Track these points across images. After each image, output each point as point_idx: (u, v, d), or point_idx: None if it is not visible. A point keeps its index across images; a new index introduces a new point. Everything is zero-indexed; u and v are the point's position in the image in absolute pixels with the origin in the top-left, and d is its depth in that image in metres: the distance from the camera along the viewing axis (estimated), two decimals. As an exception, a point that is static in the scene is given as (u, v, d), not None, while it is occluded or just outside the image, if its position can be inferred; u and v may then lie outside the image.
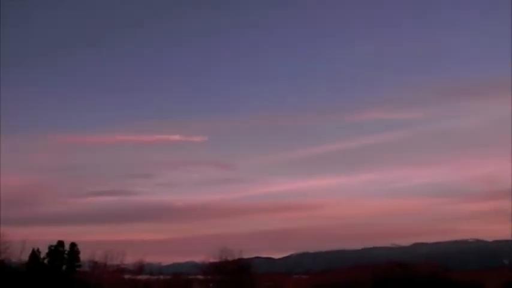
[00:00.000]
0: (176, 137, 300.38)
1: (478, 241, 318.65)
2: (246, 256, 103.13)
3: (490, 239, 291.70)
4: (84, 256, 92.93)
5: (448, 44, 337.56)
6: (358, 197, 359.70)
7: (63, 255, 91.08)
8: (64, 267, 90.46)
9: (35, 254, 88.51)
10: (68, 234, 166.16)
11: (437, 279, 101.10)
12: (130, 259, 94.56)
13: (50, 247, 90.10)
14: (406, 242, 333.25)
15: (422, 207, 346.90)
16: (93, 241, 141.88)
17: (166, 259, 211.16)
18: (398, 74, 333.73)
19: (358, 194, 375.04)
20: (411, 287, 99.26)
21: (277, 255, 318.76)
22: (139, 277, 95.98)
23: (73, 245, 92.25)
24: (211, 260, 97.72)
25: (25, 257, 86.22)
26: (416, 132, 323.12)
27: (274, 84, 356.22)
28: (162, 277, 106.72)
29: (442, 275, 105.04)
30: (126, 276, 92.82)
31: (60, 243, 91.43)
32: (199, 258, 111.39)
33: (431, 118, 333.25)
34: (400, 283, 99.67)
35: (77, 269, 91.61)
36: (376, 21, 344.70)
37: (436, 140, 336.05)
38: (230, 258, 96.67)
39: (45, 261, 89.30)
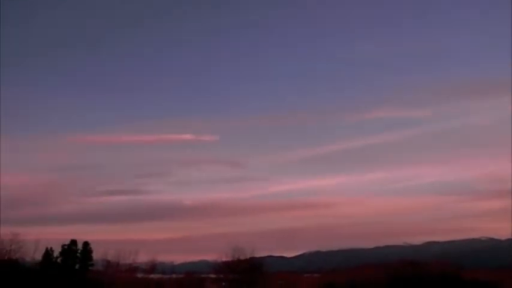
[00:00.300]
0: (187, 136, 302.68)
1: (491, 239, 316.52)
2: (258, 255, 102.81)
3: (503, 238, 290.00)
4: (96, 255, 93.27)
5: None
6: (369, 195, 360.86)
7: (76, 254, 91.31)
8: (77, 266, 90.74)
9: (48, 253, 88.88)
10: (80, 233, 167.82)
11: (450, 278, 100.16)
12: (142, 258, 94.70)
13: (63, 246, 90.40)
14: (418, 240, 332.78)
15: (433, 205, 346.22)
16: (106, 240, 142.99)
17: (179, 258, 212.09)
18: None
19: (369, 192, 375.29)
20: (423, 286, 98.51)
21: (289, 254, 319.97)
22: (152, 276, 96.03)
23: (86, 244, 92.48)
24: (224, 258, 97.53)
25: (38, 256, 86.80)
26: (425, 131, 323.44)
27: (290, 83, 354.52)
28: (174, 276, 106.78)
29: (455, 274, 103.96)
30: (139, 275, 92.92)
31: (73, 243, 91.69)
32: (211, 257, 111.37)
33: (439, 117, 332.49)
34: (412, 282, 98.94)
35: (90, 268, 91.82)
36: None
37: (444, 139, 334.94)
38: (242, 257, 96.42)
39: (59, 260, 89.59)
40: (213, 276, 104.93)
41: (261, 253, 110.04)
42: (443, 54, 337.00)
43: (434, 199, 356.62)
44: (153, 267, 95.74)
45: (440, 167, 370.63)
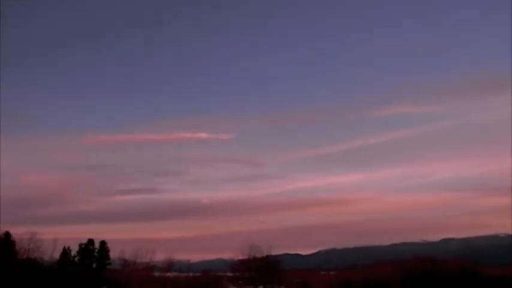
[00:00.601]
0: (203, 135, 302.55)
1: (509, 236, 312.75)
2: (274, 253, 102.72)
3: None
4: (114, 254, 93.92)
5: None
6: (385, 192, 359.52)
7: (94, 253, 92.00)
8: (94, 265, 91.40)
9: (66, 252, 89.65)
10: (97, 232, 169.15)
11: (468, 274, 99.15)
12: (159, 257, 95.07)
13: (80, 245, 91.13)
14: (435, 237, 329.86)
15: (450, 201, 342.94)
16: (123, 239, 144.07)
17: (195, 256, 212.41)
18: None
19: (385, 189, 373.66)
20: (441, 283, 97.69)
21: (305, 252, 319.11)
22: (169, 275, 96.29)
23: (103, 243, 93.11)
24: (240, 256, 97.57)
25: (56, 255, 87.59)
26: (440, 127, 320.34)
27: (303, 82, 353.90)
28: (191, 274, 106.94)
29: (473, 270, 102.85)
30: (156, 274, 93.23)
31: (90, 242, 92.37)
32: (228, 255, 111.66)
33: (453, 113, 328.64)
34: (430, 279, 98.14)
35: (107, 266, 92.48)
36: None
37: (459, 135, 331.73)
38: (259, 255, 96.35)
39: (76, 259, 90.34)
40: (229, 274, 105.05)
41: (277, 251, 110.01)
42: (459, 51, 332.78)
43: (450, 195, 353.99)
44: (169, 266, 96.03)
45: (456, 163, 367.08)
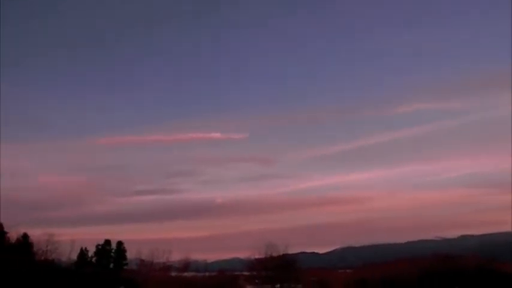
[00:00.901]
0: (216, 135, 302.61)
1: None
2: (290, 251, 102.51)
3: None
4: (130, 254, 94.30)
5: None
6: (401, 189, 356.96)
7: (111, 254, 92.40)
8: (111, 265, 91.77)
9: (83, 253, 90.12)
10: (114, 233, 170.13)
11: (486, 271, 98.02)
12: (176, 257, 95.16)
13: (97, 246, 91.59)
14: (452, 234, 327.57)
15: (466, 198, 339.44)
16: (139, 239, 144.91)
17: (211, 256, 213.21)
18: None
19: (401, 186, 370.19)
20: (458, 280, 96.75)
21: (321, 250, 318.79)
22: (185, 274, 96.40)
23: (120, 244, 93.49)
24: (257, 256, 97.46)
25: (74, 256, 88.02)
26: (457, 123, 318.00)
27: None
28: (207, 274, 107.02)
29: (491, 267, 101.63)
30: (173, 274, 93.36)
31: (107, 242, 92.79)
32: (244, 254, 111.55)
33: (469, 109, 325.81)
34: (447, 276, 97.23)
35: (124, 267, 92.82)
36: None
37: (476, 131, 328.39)
38: (275, 254, 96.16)
39: (93, 260, 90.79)
40: (246, 273, 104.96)
41: (293, 249, 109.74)
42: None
43: (467, 192, 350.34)
44: (186, 266, 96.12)
45: (472, 160, 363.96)
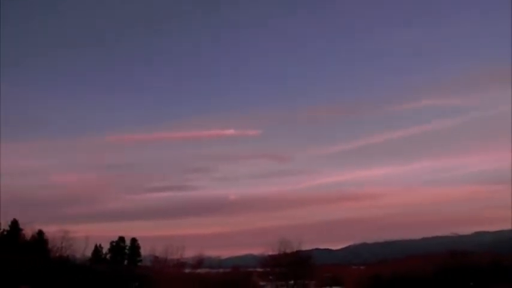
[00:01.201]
0: (230, 131, 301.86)
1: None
2: (304, 248, 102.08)
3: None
4: (144, 251, 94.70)
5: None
6: (416, 185, 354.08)
7: (125, 251, 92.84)
8: (126, 262, 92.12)
9: (97, 250, 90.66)
10: (128, 229, 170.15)
11: (501, 268, 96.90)
12: (189, 253, 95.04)
13: (111, 243, 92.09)
14: (467, 231, 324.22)
15: (481, 194, 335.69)
16: (153, 236, 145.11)
17: (225, 252, 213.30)
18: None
19: (416, 182, 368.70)
20: (473, 276, 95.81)
21: (335, 246, 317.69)
22: (199, 271, 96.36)
23: (134, 241, 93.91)
24: (270, 252, 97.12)
25: (88, 253, 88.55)
26: (471, 119, 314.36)
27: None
28: (221, 270, 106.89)
29: (506, 264, 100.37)
30: (186, 270, 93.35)
31: (121, 239, 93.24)
32: (257, 250, 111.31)
33: (484, 105, 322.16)
34: (462, 273, 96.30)
35: (138, 263, 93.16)
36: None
37: (491, 127, 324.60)
38: (289, 250, 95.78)
39: (108, 256, 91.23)
40: (259, 270, 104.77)
41: (307, 246, 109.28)
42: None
43: (481, 188, 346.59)
44: (200, 262, 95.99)
45: (487, 156, 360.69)
